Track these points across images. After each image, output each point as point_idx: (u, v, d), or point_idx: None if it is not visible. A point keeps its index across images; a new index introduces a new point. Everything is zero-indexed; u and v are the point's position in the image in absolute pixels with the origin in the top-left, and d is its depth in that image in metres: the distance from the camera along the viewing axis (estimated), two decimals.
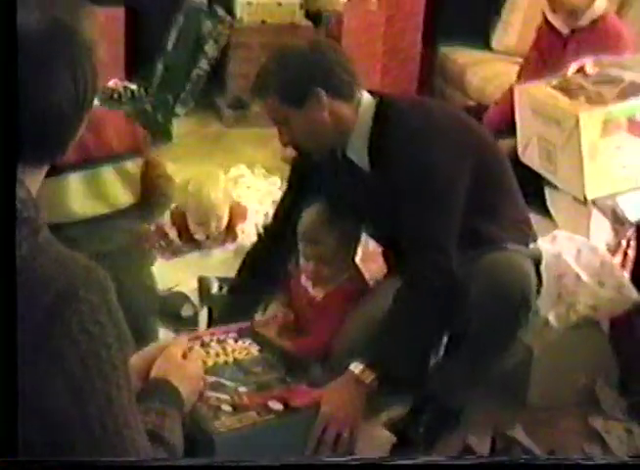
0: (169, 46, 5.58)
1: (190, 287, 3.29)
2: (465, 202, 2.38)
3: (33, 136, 1.24)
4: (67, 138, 1.30)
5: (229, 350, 2.50)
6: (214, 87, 5.66)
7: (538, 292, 2.53)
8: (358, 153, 2.45)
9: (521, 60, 4.34)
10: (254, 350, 2.51)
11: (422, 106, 2.54)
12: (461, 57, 5.21)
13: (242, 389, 2.32)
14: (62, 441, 1.21)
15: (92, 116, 2.19)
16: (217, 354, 2.47)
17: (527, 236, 2.58)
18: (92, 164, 2.42)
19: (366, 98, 2.45)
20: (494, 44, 5.28)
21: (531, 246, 2.58)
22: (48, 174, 2.11)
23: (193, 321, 3.13)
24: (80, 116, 1.30)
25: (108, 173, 2.47)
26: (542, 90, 3.16)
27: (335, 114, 2.39)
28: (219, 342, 2.53)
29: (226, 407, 2.22)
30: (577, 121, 2.91)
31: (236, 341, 2.54)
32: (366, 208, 2.56)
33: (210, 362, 2.42)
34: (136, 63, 5.58)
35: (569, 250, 2.81)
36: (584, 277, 2.74)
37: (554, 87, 3.13)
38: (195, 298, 3.24)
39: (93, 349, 1.19)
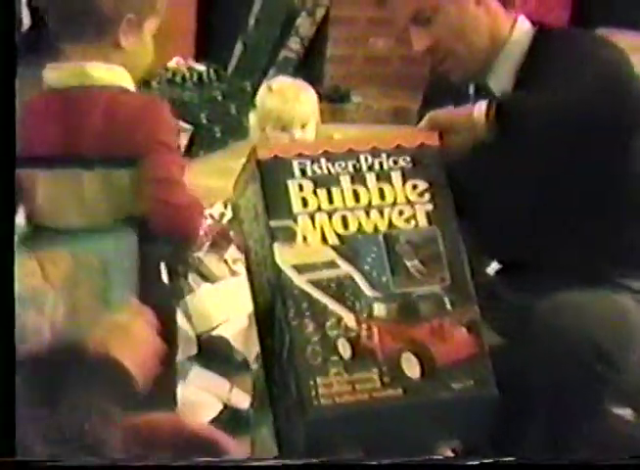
0: (251, 20, 5.44)
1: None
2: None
3: None
4: None
5: (388, 198, 1.85)
6: (307, 73, 5.22)
7: None
8: (502, 81, 2.30)
9: None
10: (424, 212, 1.88)
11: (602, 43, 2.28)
12: (621, 41, 4.41)
13: (378, 308, 1.83)
14: None
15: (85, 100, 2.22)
16: (368, 206, 1.84)
17: None
18: (74, 163, 2.23)
19: (523, 20, 2.33)
20: None
21: None
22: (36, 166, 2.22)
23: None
24: None
25: (91, 179, 2.24)
26: None
27: (491, 16, 2.27)
28: (380, 176, 1.87)
29: (344, 347, 1.78)
30: None
31: (404, 179, 1.89)
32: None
33: (354, 226, 1.83)
34: (208, 39, 5.47)
35: None
36: None
37: None
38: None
39: None
